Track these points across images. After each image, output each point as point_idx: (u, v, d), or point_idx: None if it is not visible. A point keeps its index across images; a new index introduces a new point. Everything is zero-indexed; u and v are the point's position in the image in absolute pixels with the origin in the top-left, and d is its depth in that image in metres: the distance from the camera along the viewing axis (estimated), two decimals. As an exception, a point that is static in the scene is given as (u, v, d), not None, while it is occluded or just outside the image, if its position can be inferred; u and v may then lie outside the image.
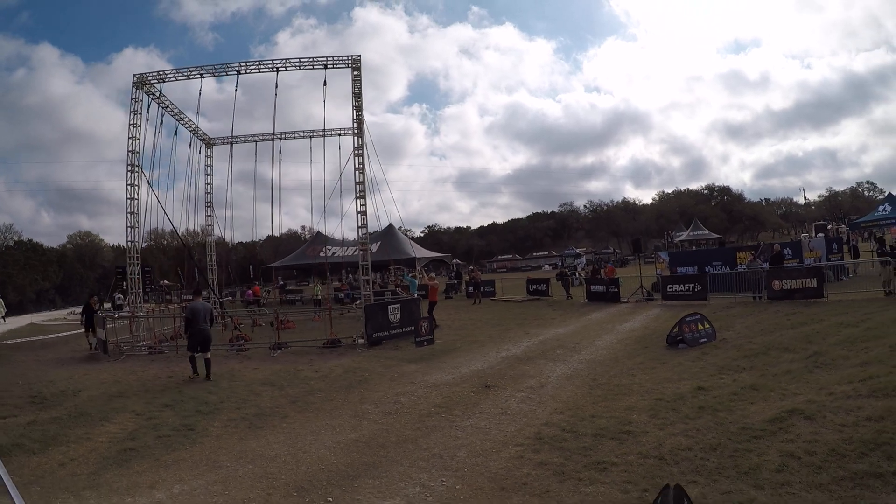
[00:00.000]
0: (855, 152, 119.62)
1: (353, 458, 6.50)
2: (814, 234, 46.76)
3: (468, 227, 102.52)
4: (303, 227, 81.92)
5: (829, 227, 50.12)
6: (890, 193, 28.51)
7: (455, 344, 14.24)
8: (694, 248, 47.52)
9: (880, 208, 29.46)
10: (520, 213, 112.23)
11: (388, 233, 39.44)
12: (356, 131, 16.81)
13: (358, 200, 16.16)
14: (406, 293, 23.66)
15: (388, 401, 8.97)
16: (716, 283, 21.01)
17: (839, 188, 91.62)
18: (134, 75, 18.04)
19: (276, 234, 48.32)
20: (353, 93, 17.66)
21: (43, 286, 67.93)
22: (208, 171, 25.48)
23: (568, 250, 70.06)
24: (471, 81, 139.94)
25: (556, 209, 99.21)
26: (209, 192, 25.61)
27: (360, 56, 17.13)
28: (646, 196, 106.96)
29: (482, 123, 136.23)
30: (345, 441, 7.14)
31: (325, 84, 17.93)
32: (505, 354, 12.62)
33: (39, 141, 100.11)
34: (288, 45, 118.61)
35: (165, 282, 17.89)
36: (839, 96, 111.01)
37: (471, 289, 30.10)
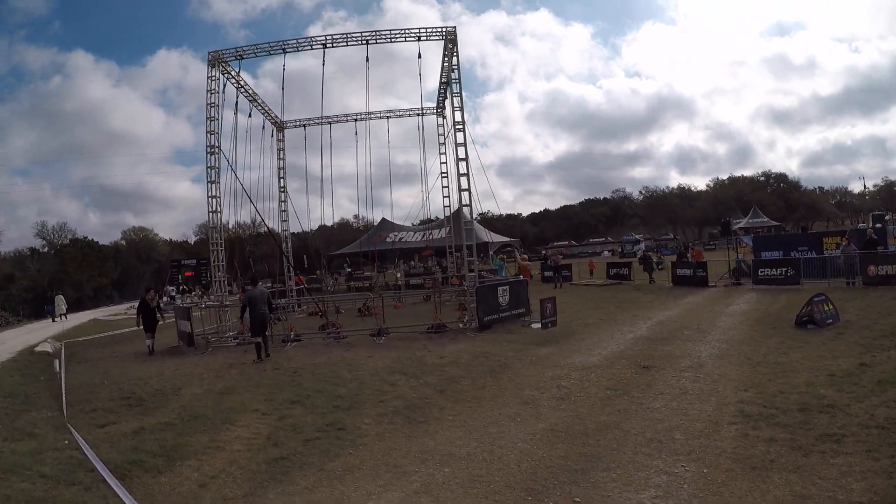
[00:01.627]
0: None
1: (565, 450, 5.83)
2: (871, 224, 44.44)
3: (519, 214, 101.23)
4: (355, 217, 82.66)
5: (888, 216, 47.44)
6: None
7: (570, 326, 13.93)
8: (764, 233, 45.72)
9: None
10: (564, 201, 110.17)
11: (457, 217, 39.10)
12: (457, 106, 16.00)
13: (462, 178, 15.60)
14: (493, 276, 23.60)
15: (550, 385, 8.47)
16: (807, 267, 20.18)
17: (893, 177, 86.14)
18: (209, 53, 17.04)
19: (329, 223, 48.33)
20: (448, 67, 17.02)
21: (100, 282, 67.44)
22: (280, 156, 24.32)
23: (627, 236, 68.74)
24: (509, 69, 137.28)
25: (608, 195, 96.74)
26: (282, 177, 24.44)
27: (455, 28, 16.30)
28: (693, 183, 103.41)
29: (522, 111, 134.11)
30: (538, 431, 6.44)
31: (419, 57, 17.20)
32: (632, 336, 12.30)
33: (82, 144, 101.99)
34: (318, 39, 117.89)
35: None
36: (889, 81, 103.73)
37: (549, 273, 29.81)
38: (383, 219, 36.82)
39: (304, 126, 23.97)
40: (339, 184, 47.78)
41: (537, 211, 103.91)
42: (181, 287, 46.03)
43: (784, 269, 20.41)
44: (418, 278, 31.55)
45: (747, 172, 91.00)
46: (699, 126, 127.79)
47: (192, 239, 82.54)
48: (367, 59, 17.15)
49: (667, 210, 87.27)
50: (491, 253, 38.48)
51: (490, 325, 14.28)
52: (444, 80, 20.13)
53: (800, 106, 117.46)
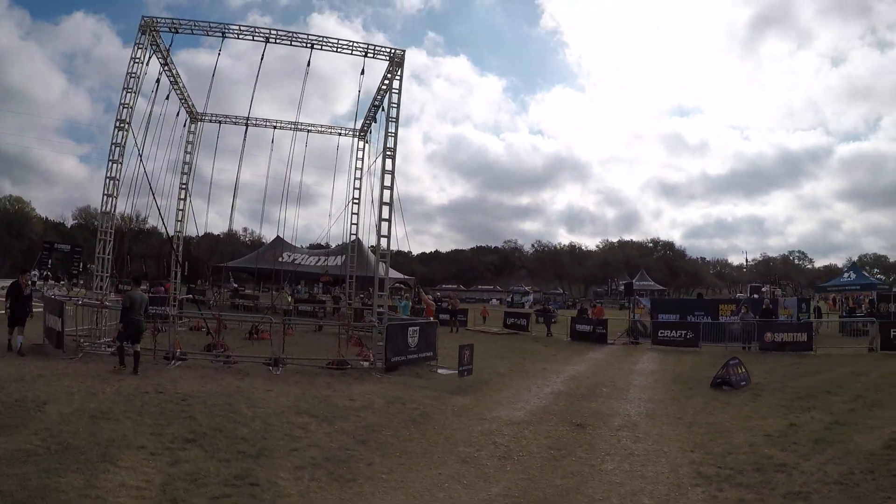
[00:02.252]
0: (782, 222, 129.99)
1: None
2: (749, 294, 50.24)
3: (409, 252, 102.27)
4: (245, 230, 79.21)
5: (765, 289, 53.52)
6: (854, 263, 31.26)
7: (482, 375, 13.48)
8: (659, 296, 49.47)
9: (845, 275, 32.37)
10: (452, 244, 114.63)
11: (355, 246, 38.70)
12: (391, 132, 15.52)
13: (384, 207, 15.16)
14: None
15: (484, 442, 7.85)
16: (705, 331, 21.87)
17: (756, 255, 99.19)
18: (142, 17, 15.49)
19: (216, 231, 46.01)
20: (388, 90, 16.58)
21: None
22: (189, 150, 22.81)
23: (516, 287, 71.12)
24: (418, 107, 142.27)
25: (499, 245, 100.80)
26: (186, 173, 22.74)
27: (404, 51, 16.04)
28: (581, 241, 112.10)
29: (424, 150, 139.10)
30: (494, 497, 5.84)
31: (362, 73, 16.95)
32: (549, 390, 12.20)
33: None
34: (236, 42, 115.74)
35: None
36: (772, 169, 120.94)
37: (444, 316, 29.62)
38: (278, 237, 35.46)
39: (221, 122, 22.80)
40: (228, 191, 45.46)
41: (427, 251, 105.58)
42: (45, 273, 42.91)
43: (684, 332, 21.87)
44: (307, 305, 30.91)
45: (634, 237, 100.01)
46: (592, 189, 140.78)
47: (70, 222, 79.98)
48: (309, 64, 16.84)
49: (556, 265, 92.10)
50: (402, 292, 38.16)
51: (397, 366, 13.64)
52: (376, 102, 20.10)
53: (688, 182, 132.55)
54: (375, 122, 21.59)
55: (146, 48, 15.55)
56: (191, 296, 23.16)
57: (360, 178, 24.22)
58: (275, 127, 23.30)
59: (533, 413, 9.84)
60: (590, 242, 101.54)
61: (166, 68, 18.09)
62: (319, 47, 16.32)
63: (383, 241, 15.32)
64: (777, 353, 18.99)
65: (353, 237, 25.05)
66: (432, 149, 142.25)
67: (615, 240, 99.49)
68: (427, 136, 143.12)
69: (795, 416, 9.45)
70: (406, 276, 43.67)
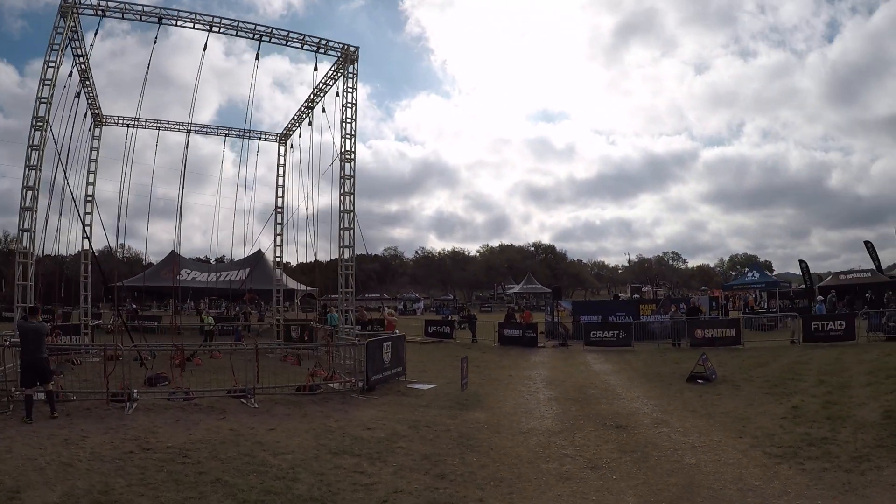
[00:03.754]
0: (650, 224, 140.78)
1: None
2: (630, 294, 54.85)
3: (288, 262, 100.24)
4: (122, 246, 72.99)
5: (645, 288, 58.45)
6: (756, 261, 35.09)
7: (469, 387, 13.80)
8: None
9: (749, 274, 36.42)
10: (323, 254, 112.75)
11: (258, 259, 37.51)
12: (349, 133, 15.71)
13: (345, 215, 15.11)
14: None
15: (550, 455, 8.07)
16: (635, 331, 23.57)
17: (628, 257, 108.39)
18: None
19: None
20: (344, 90, 16.44)
21: None
22: (93, 157, 21.45)
23: (407, 294, 71.86)
24: (282, 115, 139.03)
25: (379, 252, 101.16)
26: (91, 183, 21.46)
27: (357, 48, 16.02)
28: (458, 246, 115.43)
29: (290, 158, 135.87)
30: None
31: (315, 69, 16.86)
32: (544, 396, 12.89)
33: None
34: (96, 46, 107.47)
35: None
36: (639, 173, 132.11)
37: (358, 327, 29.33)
38: (174, 251, 33.36)
39: (129, 126, 21.48)
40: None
41: (305, 261, 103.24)
42: None
43: (616, 332, 23.61)
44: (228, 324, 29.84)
45: (505, 241, 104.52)
46: (460, 194, 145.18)
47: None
48: (258, 56, 16.44)
49: (439, 271, 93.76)
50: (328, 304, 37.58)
51: (375, 385, 13.51)
52: (309, 101, 20.39)
53: (556, 186, 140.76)
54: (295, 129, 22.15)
55: (64, 34, 14.21)
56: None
57: (283, 185, 23.84)
58: (189, 130, 22.32)
59: (560, 421, 10.42)
60: (461, 247, 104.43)
61: (79, 60, 16.69)
62: (268, 39, 15.94)
63: (346, 252, 15.21)
64: (708, 347, 20.84)
65: (277, 248, 24.43)
66: (296, 157, 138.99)
67: (496, 244, 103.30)
68: (290, 144, 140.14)
69: (787, 400, 11.05)
70: (312, 289, 42.83)
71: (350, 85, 15.97)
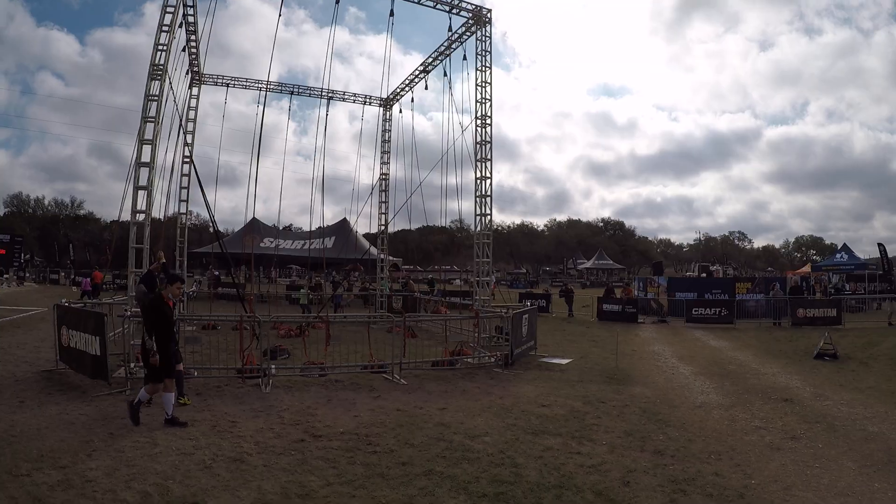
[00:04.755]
0: (711, 203, 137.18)
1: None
2: (697, 273, 54.07)
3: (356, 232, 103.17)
4: (189, 212, 76.85)
5: (714, 268, 57.54)
6: (845, 244, 34.44)
7: (591, 362, 14.24)
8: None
9: (838, 255, 35.24)
10: (392, 225, 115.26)
11: (343, 228, 38.04)
12: (487, 97, 15.97)
13: (484, 182, 15.71)
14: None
15: (748, 429, 8.36)
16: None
17: (691, 235, 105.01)
18: None
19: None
20: (481, 50, 16.48)
21: None
22: (191, 117, 20.99)
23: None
24: (342, 85, 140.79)
25: (447, 224, 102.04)
26: (189, 144, 19.69)
27: (490, 10, 16.34)
28: (508, 220, 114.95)
29: (351, 129, 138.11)
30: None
31: (450, 30, 17.02)
32: (686, 371, 13.22)
33: None
34: (153, 17, 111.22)
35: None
36: (701, 150, 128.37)
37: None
38: (254, 218, 34.43)
39: (229, 86, 21.99)
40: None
41: (371, 231, 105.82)
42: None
43: (718, 309, 23.45)
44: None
45: (566, 217, 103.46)
46: (520, 168, 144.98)
47: (1, 210, 78.63)
48: (392, 14, 15.93)
49: (508, 244, 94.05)
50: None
51: (516, 360, 13.61)
52: (426, 66, 20.58)
53: (617, 161, 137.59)
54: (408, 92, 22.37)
55: None
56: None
57: (389, 153, 24.74)
58: (292, 92, 22.70)
59: (725, 395, 10.74)
60: (519, 221, 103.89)
61: (188, 10, 16.12)
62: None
63: (485, 221, 15.82)
64: (809, 327, 20.87)
65: (383, 217, 25.07)
66: (358, 127, 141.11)
67: (563, 219, 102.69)
68: (353, 115, 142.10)
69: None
70: (396, 259, 43.56)
71: (484, 47, 16.32)
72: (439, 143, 17.72)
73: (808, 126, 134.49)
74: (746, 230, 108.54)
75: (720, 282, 31.36)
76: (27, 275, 46.30)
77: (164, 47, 13.05)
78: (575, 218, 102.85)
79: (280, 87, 22.69)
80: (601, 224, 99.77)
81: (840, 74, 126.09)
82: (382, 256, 26.41)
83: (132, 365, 10.41)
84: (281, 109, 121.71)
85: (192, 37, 17.96)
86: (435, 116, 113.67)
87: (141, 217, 12.47)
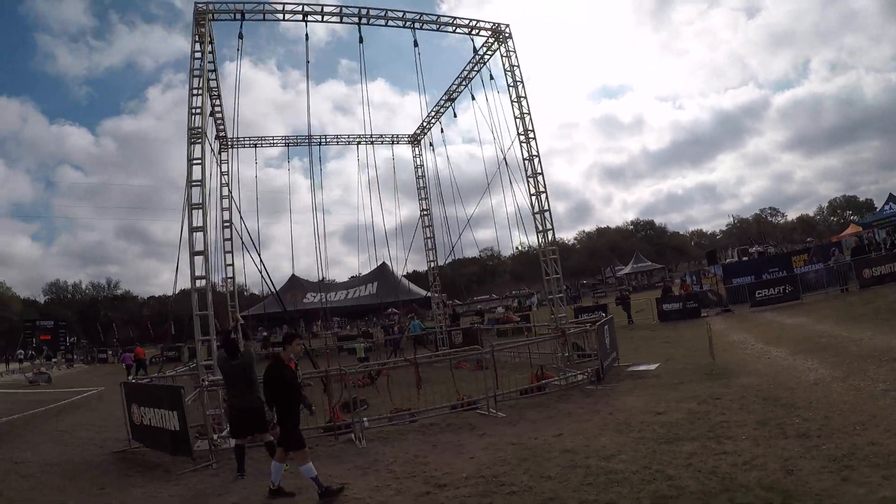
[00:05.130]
0: (734, 185, 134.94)
1: None
2: (738, 258, 52.99)
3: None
4: (225, 280, 79.65)
5: (752, 249, 56.30)
6: (891, 194, 32.90)
7: (689, 363, 13.87)
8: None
9: (887, 207, 33.87)
10: (412, 265, 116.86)
11: (383, 273, 38.25)
12: (525, 111, 16.17)
13: (540, 215, 15.77)
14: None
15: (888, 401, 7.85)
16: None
17: (722, 220, 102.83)
18: (196, 4, 13.92)
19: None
20: (510, 70, 16.70)
21: None
22: (225, 182, 20.72)
23: (520, 290, 72.95)
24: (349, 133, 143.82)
25: (477, 255, 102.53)
26: (227, 209, 20.50)
27: (509, 25, 16.69)
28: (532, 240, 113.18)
29: (363, 178, 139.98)
30: None
31: (475, 52, 17.48)
32: (781, 353, 12.88)
33: None
34: (158, 100, 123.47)
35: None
36: (712, 133, 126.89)
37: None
38: (294, 275, 34.90)
39: (256, 146, 22.92)
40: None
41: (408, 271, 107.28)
42: (30, 353, 45.01)
43: (782, 287, 22.98)
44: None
45: (590, 227, 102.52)
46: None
47: (42, 298, 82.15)
48: (416, 45, 16.57)
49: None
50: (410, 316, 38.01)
51: (605, 373, 13.31)
52: (450, 94, 20.94)
53: (631, 161, 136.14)
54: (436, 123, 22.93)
55: (205, 41, 14.11)
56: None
57: (426, 188, 24.97)
58: (319, 143, 23.82)
59: (836, 368, 10.38)
60: (559, 237, 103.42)
61: (210, 76, 16.37)
62: (420, 26, 16.23)
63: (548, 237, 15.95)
64: (879, 286, 20.29)
65: (431, 261, 25.24)
66: (371, 174, 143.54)
67: (590, 228, 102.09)
68: (363, 164, 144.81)
69: None
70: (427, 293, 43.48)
71: (511, 62, 16.53)
72: (472, 173, 18.06)
73: (814, 84, 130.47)
74: (775, 204, 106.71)
75: (776, 259, 30.78)
76: (75, 357, 48.39)
77: (199, 110, 13.42)
78: (603, 226, 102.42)
79: (305, 140, 22.40)
80: (631, 227, 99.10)
81: (833, 24, 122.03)
82: (436, 294, 26.42)
83: (215, 437, 10.11)
84: (293, 168, 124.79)
85: (217, 102, 18.45)
86: (463, 147, 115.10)
87: (201, 283, 12.64)
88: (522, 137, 16.37)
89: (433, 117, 23.06)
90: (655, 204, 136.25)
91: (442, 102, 21.78)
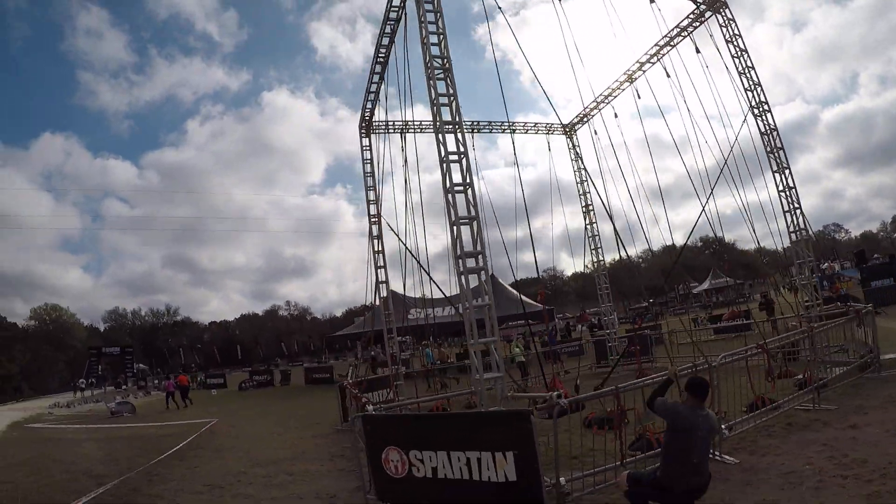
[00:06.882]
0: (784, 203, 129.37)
1: None
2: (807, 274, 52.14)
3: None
4: (288, 303, 79.89)
5: (824, 265, 55.55)
6: None
7: None
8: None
9: None
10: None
11: (494, 286, 37.86)
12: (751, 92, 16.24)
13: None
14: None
15: None
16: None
17: (776, 239, 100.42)
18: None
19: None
20: (727, 41, 16.38)
21: (9, 370, 58.64)
22: (368, 170, 20.13)
23: (591, 309, 73.58)
24: (389, 162, 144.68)
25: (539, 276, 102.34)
26: (378, 237, 19.90)
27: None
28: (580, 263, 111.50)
29: (409, 201, 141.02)
30: None
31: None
32: None
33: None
34: (197, 132, 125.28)
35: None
36: (760, 151, 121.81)
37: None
38: (392, 291, 35.30)
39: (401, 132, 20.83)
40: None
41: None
42: (91, 381, 44.24)
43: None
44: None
45: (633, 251, 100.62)
46: (580, 210, 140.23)
47: (102, 326, 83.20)
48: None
49: (615, 283, 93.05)
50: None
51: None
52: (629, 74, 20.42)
53: (677, 181, 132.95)
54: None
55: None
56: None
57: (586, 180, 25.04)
58: (472, 130, 22.68)
59: None
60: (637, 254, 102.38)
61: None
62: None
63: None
64: None
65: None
66: (414, 199, 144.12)
67: (657, 248, 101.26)
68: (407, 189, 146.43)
69: None
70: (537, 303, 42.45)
71: (732, 31, 16.23)
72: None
73: (864, 98, 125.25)
74: (827, 222, 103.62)
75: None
76: (148, 384, 44.56)
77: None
78: (667, 244, 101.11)
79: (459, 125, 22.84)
80: (700, 244, 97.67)
81: (881, 35, 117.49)
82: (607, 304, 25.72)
83: (562, 480, 6.77)
84: (337, 195, 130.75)
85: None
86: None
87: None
88: (758, 110, 15.63)
89: (601, 103, 21.50)
90: (703, 224, 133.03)
91: (619, 83, 20.32)
